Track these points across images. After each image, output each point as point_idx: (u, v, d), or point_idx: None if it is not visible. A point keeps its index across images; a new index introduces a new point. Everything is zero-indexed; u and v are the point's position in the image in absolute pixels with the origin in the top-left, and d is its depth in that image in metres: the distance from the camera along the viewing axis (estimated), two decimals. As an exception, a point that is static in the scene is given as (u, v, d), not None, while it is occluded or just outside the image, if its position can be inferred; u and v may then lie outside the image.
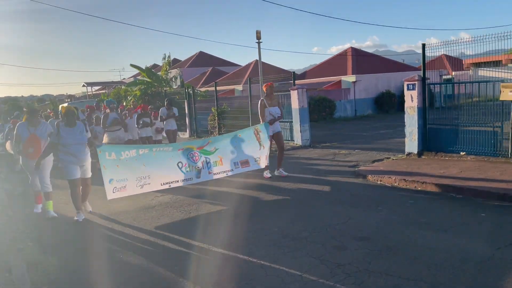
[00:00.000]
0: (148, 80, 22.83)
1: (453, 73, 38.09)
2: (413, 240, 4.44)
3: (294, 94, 12.29)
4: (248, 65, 33.99)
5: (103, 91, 52.91)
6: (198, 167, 6.82)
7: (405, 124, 9.11)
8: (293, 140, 12.48)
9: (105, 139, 10.32)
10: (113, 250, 4.88)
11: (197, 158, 6.84)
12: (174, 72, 46.41)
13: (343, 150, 10.90)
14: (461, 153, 8.21)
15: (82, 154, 6.08)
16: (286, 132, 12.81)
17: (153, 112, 11.58)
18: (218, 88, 28.44)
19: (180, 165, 6.67)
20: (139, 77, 27.25)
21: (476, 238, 4.36)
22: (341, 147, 11.42)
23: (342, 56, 28.43)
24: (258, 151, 7.65)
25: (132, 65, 22.90)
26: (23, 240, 5.22)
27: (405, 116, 9.09)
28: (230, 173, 7.26)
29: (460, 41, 8.63)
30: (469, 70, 36.93)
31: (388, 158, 9.12)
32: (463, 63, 40.98)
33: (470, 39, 8.54)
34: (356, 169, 8.19)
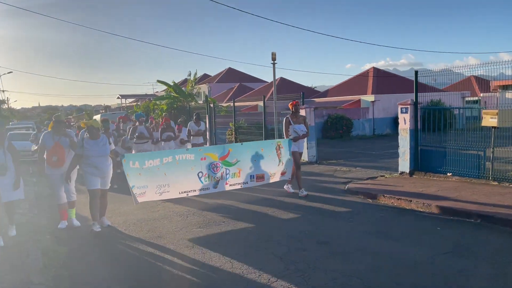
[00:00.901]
0: (175, 95, 24.16)
1: (481, 94, 37.77)
2: (366, 246, 5.11)
3: (302, 113, 13.02)
4: (272, 83, 34.95)
5: (136, 103, 55.22)
6: (217, 178, 7.09)
7: (399, 145, 9.69)
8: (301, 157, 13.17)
9: (133, 151, 10.73)
10: (118, 245, 5.78)
11: (218, 169, 7.09)
12: (203, 87, 48.11)
13: (345, 167, 11.51)
14: (448, 174, 8.72)
15: (104, 166, 6.33)
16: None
17: (177, 126, 11.66)
18: (242, 103, 29.54)
19: (200, 175, 6.94)
20: (166, 92, 28.63)
21: (420, 247, 4.97)
22: (344, 164, 12.02)
23: (363, 76, 28.97)
24: (276, 167, 7.82)
25: (158, 81, 24.30)
26: (42, 232, 6.20)
27: (399, 137, 9.68)
28: (243, 186, 7.51)
29: (463, 66, 9.21)
30: (496, 92, 36.57)
31: (382, 176, 9.70)
32: (491, 85, 40.63)
33: (477, 63, 9.09)
34: (347, 186, 8.81)
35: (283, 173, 7.99)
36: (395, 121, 26.69)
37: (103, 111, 53.59)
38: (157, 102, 25.39)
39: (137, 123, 11.30)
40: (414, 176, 9.23)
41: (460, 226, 5.78)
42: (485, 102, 27.89)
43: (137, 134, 10.74)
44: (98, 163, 6.27)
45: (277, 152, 7.80)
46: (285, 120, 8.37)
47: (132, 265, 4.89)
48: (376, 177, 9.58)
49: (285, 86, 33.18)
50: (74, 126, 14.81)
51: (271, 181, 7.86)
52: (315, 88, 56.69)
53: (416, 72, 9.58)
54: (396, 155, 9.90)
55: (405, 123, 9.51)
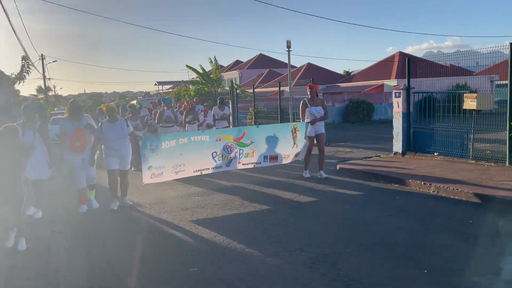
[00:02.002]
0: (203, 81, 25.47)
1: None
2: (331, 211, 6.06)
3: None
4: (300, 68, 35.54)
5: (172, 89, 57.28)
6: (231, 157, 7.37)
7: (393, 127, 10.39)
8: (311, 139, 14.05)
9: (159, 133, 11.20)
10: (128, 227, 6.10)
11: (231, 149, 7.34)
12: (234, 73, 49.13)
13: (349, 148, 12.31)
14: (435, 154, 9.39)
15: (123, 147, 6.59)
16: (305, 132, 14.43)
17: (204, 109, 12.32)
18: (269, 89, 30.36)
19: (214, 154, 7.22)
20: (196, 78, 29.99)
21: (373, 211, 5.86)
22: (349, 146, 12.81)
23: (390, 59, 29.03)
24: (290, 149, 7.98)
25: (187, 66, 25.63)
26: (56, 212, 7.48)
27: (393, 120, 10.39)
28: (256, 165, 7.77)
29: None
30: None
31: (377, 156, 10.47)
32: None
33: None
34: (338, 165, 9.57)
35: (297, 155, 8.16)
36: (417, 105, 26.91)
37: (141, 97, 56.07)
38: (186, 87, 26.82)
39: (164, 108, 11.89)
40: (406, 156, 9.95)
41: (415, 196, 6.61)
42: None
43: (164, 118, 11.22)
44: (117, 145, 6.52)
45: (293, 135, 7.91)
46: (302, 103, 8.33)
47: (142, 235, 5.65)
48: (371, 157, 10.35)
49: (312, 71, 33.68)
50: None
51: (284, 162, 8.06)
52: (351, 73, 56.50)
53: (409, 60, 10.23)
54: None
55: (398, 106, 10.21)
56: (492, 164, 8.13)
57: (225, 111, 11.47)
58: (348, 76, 33.83)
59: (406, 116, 10.09)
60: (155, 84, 65.04)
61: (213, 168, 7.26)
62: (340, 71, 43.53)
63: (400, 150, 10.19)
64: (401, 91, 10.12)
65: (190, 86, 26.60)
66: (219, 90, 24.64)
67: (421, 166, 8.43)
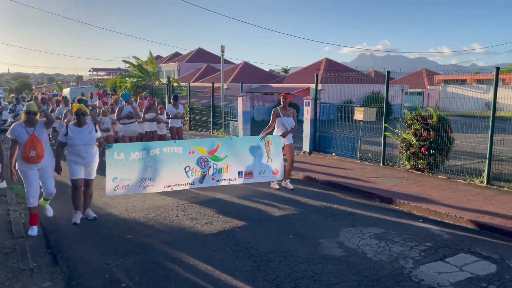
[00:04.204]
0: (140, 74, 26.23)
1: (428, 87, 41.18)
2: (217, 198, 7.77)
3: (240, 100, 15.54)
4: (236, 66, 37.21)
5: (108, 76, 56.39)
6: (204, 173, 6.97)
7: (303, 130, 12.40)
8: (238, 136, 15.77)
9: (119, 131, 11.01)
10: (92, 242, 6.84)
11: (206, 163, 6.98)
12: (172, 65, 49.58)
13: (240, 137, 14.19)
14: (333, 154, 11.52)
15: (89, 155, 6.01)
16: (234, 129, 16.16)
17: (159, 107, 11.90)
18: (206, 84, 31.62)
19: (187, 169, 6.82)
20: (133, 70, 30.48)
21: (270, 193, 7.67)
22: (270, 144, 14.69)
23: (317, 65, 31.66)
24: (266, 164, 7.60)
25: (124, 61, 26.26)
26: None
27: (303, 125, 12.39)
28: (232, 182, 7.33)
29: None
30: (439, 86, 40.12)
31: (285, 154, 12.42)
32: (434, 79, 44.04)
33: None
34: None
35: (275, 173, 7.73)
36: (336, 108, 29.86)
37: (73, 84, 54.55)
38: (123, 79, 27.39)
39: (124, 103, 11.19)
40: (311, 155, 12.00)
41: (306, 184, 8.56)
42: (428, 94, 31.13)
43: (124, 114, 10.74)
44: (83, 152, 5.95)
45: (266, 148, 7.65)
46: (274, 111, 8.20)
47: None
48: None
49: (248, 70, 35.55)
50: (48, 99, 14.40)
51: (261, 180, 7.67)
52: (289, 70, 59.07)
53: (317, 76, 12.26)
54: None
55: (308, 114, 12.23)
56: (371, 164, 10.35)
57: (179, 110, 11.48)
58: (280, 78, 36.10)
59: (313, 122, 12.13)
60: (90, 71, 63.44)
61: (185, 184, 6.87)
62: (278, 68, 45.88)
63: (307, 150, 12.23)
64: (310, 101, 12.14)
65: (126, 78, 27.21)
66: (156, 83, 25.56)
67: (319, 163, 10.48)
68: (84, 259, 4.91)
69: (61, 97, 13.14)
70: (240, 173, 7.37)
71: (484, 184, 8.17)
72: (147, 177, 6.50)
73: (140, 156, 6.45)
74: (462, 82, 36.56)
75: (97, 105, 12.50)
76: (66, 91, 27.68)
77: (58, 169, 5.96)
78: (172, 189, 6.82)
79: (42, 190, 5.90)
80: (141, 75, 26.13)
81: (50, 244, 5.37)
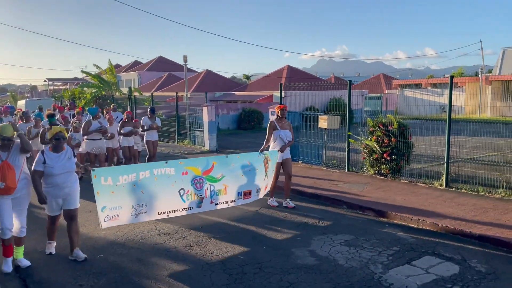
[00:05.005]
0: (100, 84, 25.64)
1: (386, 91, 42.68)
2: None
3: (205, 110, 15.56)
4: (199, 74, 37.14)
5: (65, 87, 54.64)
6: (201, 196, 6.41)
7: (269, 139, 12.56)
8: (204, 146, 15.75)
9: (83, 146, 10.06)
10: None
11: (201, 185, 6.42)
12: (132, 74, 48.75)
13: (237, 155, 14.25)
14: (299, 162, 11.75)
15: (69, 183, 5.21)
16: (200, 139, 16.12)
17: (134, 120, 11.09)
18: (169, 93, 31.33)
19: (181, 192, 6.22)
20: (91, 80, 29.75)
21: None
22: (237, 152, 14.74)
23: (279, 72, 32.16)
24: (262, 181, 7.22)
25: (82, 71, 25.62)
26: None
27: (269, 133, 12.55)
28: (232, 204, 6.86)
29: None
30: (396, 90, 41.63)
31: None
32: (392, 83, 45.60)
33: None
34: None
35: (265, 188, 7.43)
36: (301, 116, 30.47)
37: (28, 95, 52.45)
38: (82, 90, 26.66)
39: (90, 117, 10.31)
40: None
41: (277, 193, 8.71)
42: (387, 99, 32.28)
43: (92, 129, 9.91)
44: (62, 182, 5.13)
45: (265, 165, 7.23)
46: (270, 124, 7.76)
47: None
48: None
49: (210, 78, 35.55)
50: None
51: (257, 198, 7.30)
52: (250, 76, 59.33)
53: (281, 85, 12.49)
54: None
55: (273, 122, 12.39)
56: (336, 170, 10.65)
57: (156, 121, 11.04)
58: (243, 85, 36.34)
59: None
60: (45, 81, 61.20)
61: (181, 210, 6.29)
62: (240, 74, 46.13)
63: (274, 158, 12.39)
64: (275, 110, 12.31)
65: (85, 89, 26.52)
66: (117, 94, 25.09)
67: (286, 172, 10.65)
68: (56, 282, 4.78)
69: (19, 111, 12.48)
70: (239, 193, 6.89)
71: (443, 187, 8.62)
72: (139, 203, 5.83)
73: (129, 179, 5.71)
74: (418, 86, 38.33)
75: (68, 120, 11.35)
76: (21, 103, 26.63)
77: (42, 201, 5.15)
78: (167, 215, 6.19)
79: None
80: (101, 85, 25.57)
81: (18, 268, 5.17)
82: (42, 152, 5.18)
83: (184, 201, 6.29)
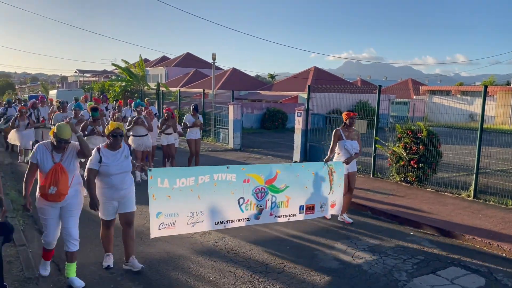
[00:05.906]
0: (129, 78, 26.18)
1: (414, 96, 42.06)
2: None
3: (231, 108, 15.70)
4: (225, 72, 37.42)
5: (94, 78, 55.95)
6: (261, 207, 5.90)
7: (294, 140, 12.61)
8: (228, 144, 15.91)
9: (131, 143, 9.21)
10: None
11: (263, 195, 5.90)
12: (160, 69, 49.56)
13: (259, 155, 14.32)
14: (324, 164, 11.73)
15: (126, 184, 4.75)
16: (224, 137, 16.29)
17: (172, 114, 10.30)
18: (195, 89, 31.71)
19: (241, 201, 5.74)
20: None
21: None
22: (261, 153, 14.81)
23: (306, 73, 32.09)
24: (327, 196, 6.60)
25: (113, 64, 26.17)
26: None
27: (295, 135, 12.60)
28: (292, 219, 6.29)
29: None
30: (425, 96, 41.01)
31: (281, 163, 12.61)
32: (420, 89, 44.85)
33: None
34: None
35: (332, 205, 6.75)
36: (326, 118, 30.29)
37: (59, 85, 53.94)
38: (112, 83, 27.27)
39: (135, 113, 9.74)
40: (302, 165, 12.19)
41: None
42: (414, 104, 31.88)
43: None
44: (119, 183, 4.68)
45: (329, 177, 6.61)
46: (335, 132, 7.05)
47: None
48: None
49: (236, 76, 35.78)
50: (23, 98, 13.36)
51: (323, 214, 6.68)
52: (276, 76, 59.40)
53: (309, 87, 12.51)
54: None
55: (299, 124, 12.45)
56: (361, 175, 10.60)
57: (199, 119, 10.61)
58: (268, 85, 36.42)
59: (304, 132, 12.36)
60: (75, 72, 62.78)
61: (238, 221, 5.79)
62: (265, 73, 46.22)
63: (298, 160, 12.43)
64: (302, 111, 12.37)
65: (115, 82, 27.12)
66: (145, 89, 25.56)
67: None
68: (88, 268, 4.96)
69: (56, 102, 12.64)
70: (301, 207, 6.30)
71: (471, 198, 8.48)
72: (196, 210, 5.36)
73: (187, 183, 5.25)
74: (447, 93, 37.54)
75: (103, 114, 10.56)
76: (53, 93, 27.40)
77: (94, 206, 4.64)
78: (225, 226, 5.72)
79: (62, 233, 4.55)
80: (130, 79, 26.09)
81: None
82: (98, 149, 4.70)
83: (243, 211, 5.79)
